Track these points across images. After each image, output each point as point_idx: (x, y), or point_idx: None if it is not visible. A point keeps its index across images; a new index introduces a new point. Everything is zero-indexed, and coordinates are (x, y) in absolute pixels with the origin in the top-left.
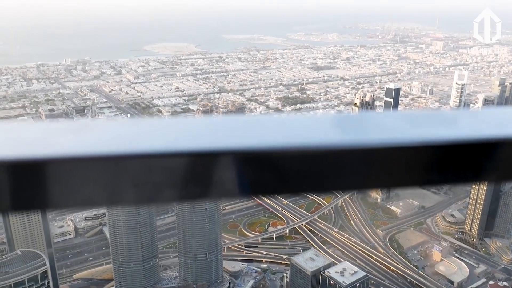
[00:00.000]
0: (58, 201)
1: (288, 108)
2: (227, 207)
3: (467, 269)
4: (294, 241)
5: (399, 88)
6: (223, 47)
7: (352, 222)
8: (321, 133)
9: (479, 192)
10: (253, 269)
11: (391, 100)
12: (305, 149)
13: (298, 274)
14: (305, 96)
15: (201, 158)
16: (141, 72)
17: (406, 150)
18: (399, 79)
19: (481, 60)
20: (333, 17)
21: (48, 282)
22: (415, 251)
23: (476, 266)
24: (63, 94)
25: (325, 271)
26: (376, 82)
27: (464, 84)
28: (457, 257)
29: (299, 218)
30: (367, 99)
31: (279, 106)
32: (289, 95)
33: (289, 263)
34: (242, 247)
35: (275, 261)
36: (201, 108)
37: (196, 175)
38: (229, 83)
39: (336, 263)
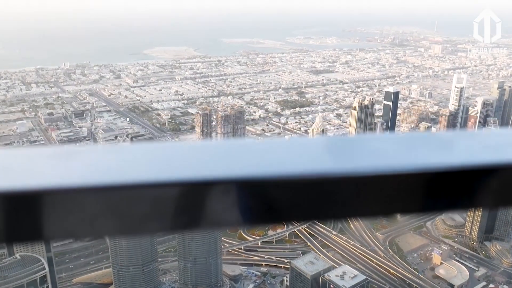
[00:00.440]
0: (43, 234)
1: (287, 111)
2: None
3: (467, 272)
4: (294, 245)
5: (398, 92)
6: (222, 51)
7: (351, 225)
8: (313, 159)
9: None
10: (253, 272)
11: (390, 103)
12: (296, 177)
13: (298, 277)
14: (304, 99)
15: (189, 187)
16: (140, 76)
17: (401, 178)
18: (398, 83)
19: (480, 63)
20: (332, 21)
21: (48, 287)
22: (415, 255)
23: (476, 269)
24: (62, 98)
25: (325, 274)
26: (375, 86)
27: (463, 87)
28: (457, 260)
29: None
30: (366, 102)
31: (278, 109)
32: (288, 99)
33: (288, 266)
34: (242, 250)
35: (275, 264)
36: (200, 112)
37: (183, 205)
38: (228, 86)
39: (336, 267)
